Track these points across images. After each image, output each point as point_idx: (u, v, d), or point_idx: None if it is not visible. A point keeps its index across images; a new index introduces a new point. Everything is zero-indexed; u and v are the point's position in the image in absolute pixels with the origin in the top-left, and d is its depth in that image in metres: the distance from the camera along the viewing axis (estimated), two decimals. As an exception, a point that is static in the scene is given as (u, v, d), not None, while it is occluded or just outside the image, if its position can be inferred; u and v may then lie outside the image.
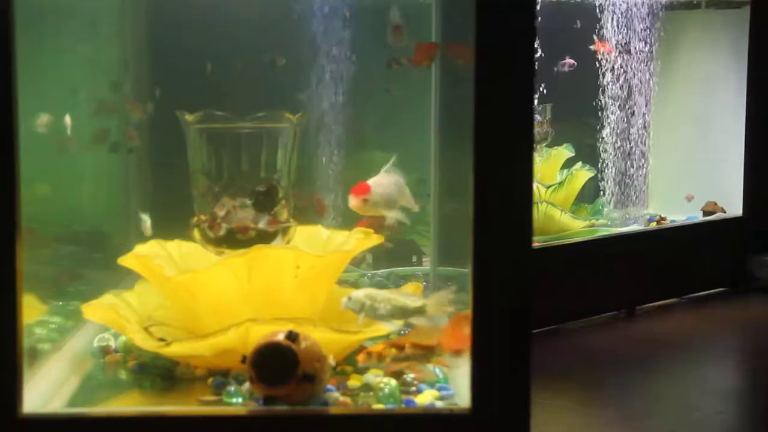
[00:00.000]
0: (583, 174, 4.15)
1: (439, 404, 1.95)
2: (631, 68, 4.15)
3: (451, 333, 1.92)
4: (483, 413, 1.78)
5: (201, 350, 2.09)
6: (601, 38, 4.05)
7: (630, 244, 3.88)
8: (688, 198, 4.27)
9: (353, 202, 2.19)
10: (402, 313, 2.00)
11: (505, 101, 1.74)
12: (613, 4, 4.09)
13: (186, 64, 2.86)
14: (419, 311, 1.99)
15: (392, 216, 2.22)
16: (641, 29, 4.16)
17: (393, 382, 2.01)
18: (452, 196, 2.63)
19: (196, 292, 2.22)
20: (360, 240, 2.38)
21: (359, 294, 2.02)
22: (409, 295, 2.05)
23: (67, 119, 2.34)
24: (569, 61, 3.71)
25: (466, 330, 1.84)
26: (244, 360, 1.90)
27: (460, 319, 1.92)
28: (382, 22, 2.53)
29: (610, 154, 4.16)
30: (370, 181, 2.22)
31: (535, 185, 3.42)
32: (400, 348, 1.96)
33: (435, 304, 1.99)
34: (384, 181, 2.23)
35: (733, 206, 4.27)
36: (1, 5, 1.68)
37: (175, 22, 2.88)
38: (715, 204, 4.29)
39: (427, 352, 1.95)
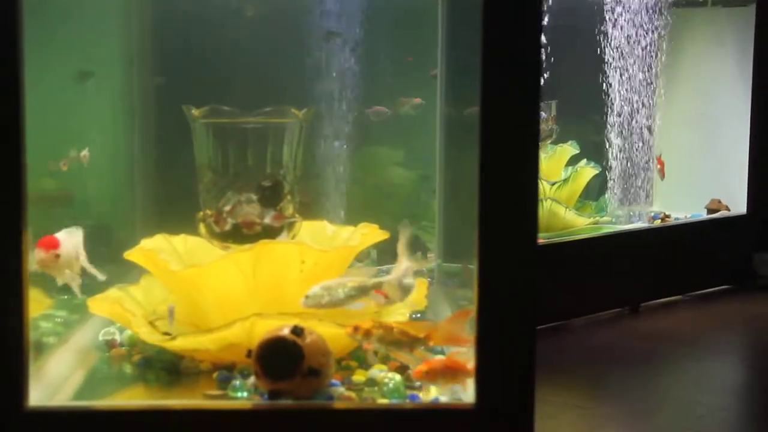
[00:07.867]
0: (587, 171, 4.15)
1: (444, 399, 1.95)
2: (636, 65, 4.14)
3: (445, 328, 1.94)
4: (487, 409, 1.78)
5: (206, 344, 2.09)
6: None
7: (634, 242, 3.88)
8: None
9: (41, 256, 2.07)
10: (362, 291, 2.08)
11: (510, 97, 1.74)
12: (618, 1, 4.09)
13: (192, 58, 2.87)
14: (377, 285, 2.08)
15: (67, 276, 2.17)
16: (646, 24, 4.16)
17: (397, 377, 2.01)
18: (457, 193, 2.63)
19: (202, 286, 2.22)
20: (365, 235, 2.38)
21: (315, 289, 2.07)
22: (364, 274, 2.12)
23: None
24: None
25: (461, 327, 1.88)
26: (249, 354, 1.90)
27: (457, 315, 1.94)
28: (390, 17, 2.53)
29: (615, 151, 4.16)
30: (58, 235, 2.14)
31: (539, 182, 3.42)
32: (388, 330, 1.96)
33: (394, 277, 2.10)
34: (70, 238, 2.18)
35: (738, 204, 4.27)
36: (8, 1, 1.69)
37: (180, 16, 2.89)
38: (720, 202, 4.30)
39: (412, 341, 1.95)
